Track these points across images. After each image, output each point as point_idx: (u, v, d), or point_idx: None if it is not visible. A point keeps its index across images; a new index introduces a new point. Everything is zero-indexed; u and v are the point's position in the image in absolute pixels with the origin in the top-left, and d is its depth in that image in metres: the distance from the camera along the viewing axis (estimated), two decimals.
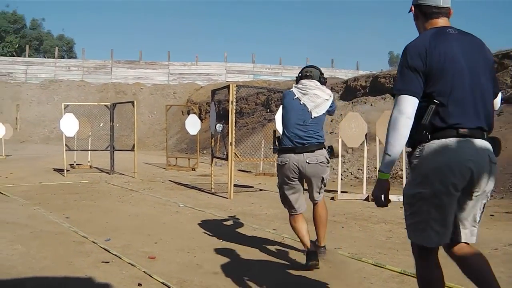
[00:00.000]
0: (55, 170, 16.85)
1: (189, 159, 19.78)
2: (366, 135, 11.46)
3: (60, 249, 6.33)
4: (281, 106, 6.29)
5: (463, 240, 3.32)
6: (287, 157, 5.77)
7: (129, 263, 5.68)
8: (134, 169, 15.59)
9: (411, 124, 3.20)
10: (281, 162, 5.81)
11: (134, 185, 13.38)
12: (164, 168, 18.77)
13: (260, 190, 12.81)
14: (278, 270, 5.62)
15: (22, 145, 30.97)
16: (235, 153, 11.66)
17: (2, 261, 5.73)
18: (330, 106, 6.05)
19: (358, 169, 15.42)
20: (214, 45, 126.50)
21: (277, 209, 9.00)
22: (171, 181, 14.66)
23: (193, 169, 18.40)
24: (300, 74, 6.15)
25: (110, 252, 6.15)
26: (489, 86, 3.33)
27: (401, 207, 9.69)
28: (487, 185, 3.24)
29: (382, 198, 3.35)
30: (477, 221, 3.34)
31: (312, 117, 5.87)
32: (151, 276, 5.21)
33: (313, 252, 5.62)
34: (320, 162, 5.81)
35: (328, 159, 5.95)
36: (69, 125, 16.06)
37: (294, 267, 5.68)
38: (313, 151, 5.77)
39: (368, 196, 10.87)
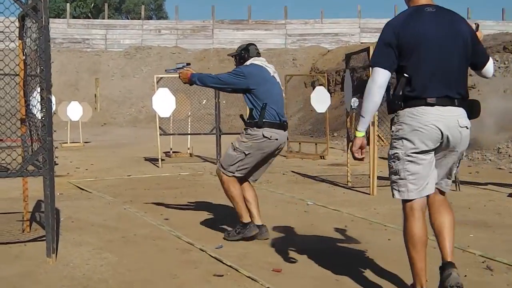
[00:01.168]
0: (146, 159, 17.41)
1: (316, 144, 19.68)
2: None
3: (160, 259, 6.49)
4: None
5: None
6: (277, 132, 7.16)
7: (248, 277, 5.73)
8: None
9: (383, 92, 4.67)
10: (271, 137, 7.07)
11: None
12: (285, 156, 18.70)
13: None
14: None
15: (103, 128, 32.09)
16: (378, 135, 11.50)
17: (89, 273, 5.94)
18: None
19: None
20: None
21: None
22: (295, 172, 14.74)
23: (322, 157, 18.42)
24: (246, 54, 7.50)
25: (223, 263, 6.23)
26: (460, 58, 4.68)
27: None
28: (457, 146, 4.70)
29: (358, 154, 4.91)
30: (452, 174, 4.98)
31: (283, 94, 7.63)
32: None
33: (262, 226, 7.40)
34: None
35: None
36: (164, 103, 16.36)
37: (463, 279, 5.54)
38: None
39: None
